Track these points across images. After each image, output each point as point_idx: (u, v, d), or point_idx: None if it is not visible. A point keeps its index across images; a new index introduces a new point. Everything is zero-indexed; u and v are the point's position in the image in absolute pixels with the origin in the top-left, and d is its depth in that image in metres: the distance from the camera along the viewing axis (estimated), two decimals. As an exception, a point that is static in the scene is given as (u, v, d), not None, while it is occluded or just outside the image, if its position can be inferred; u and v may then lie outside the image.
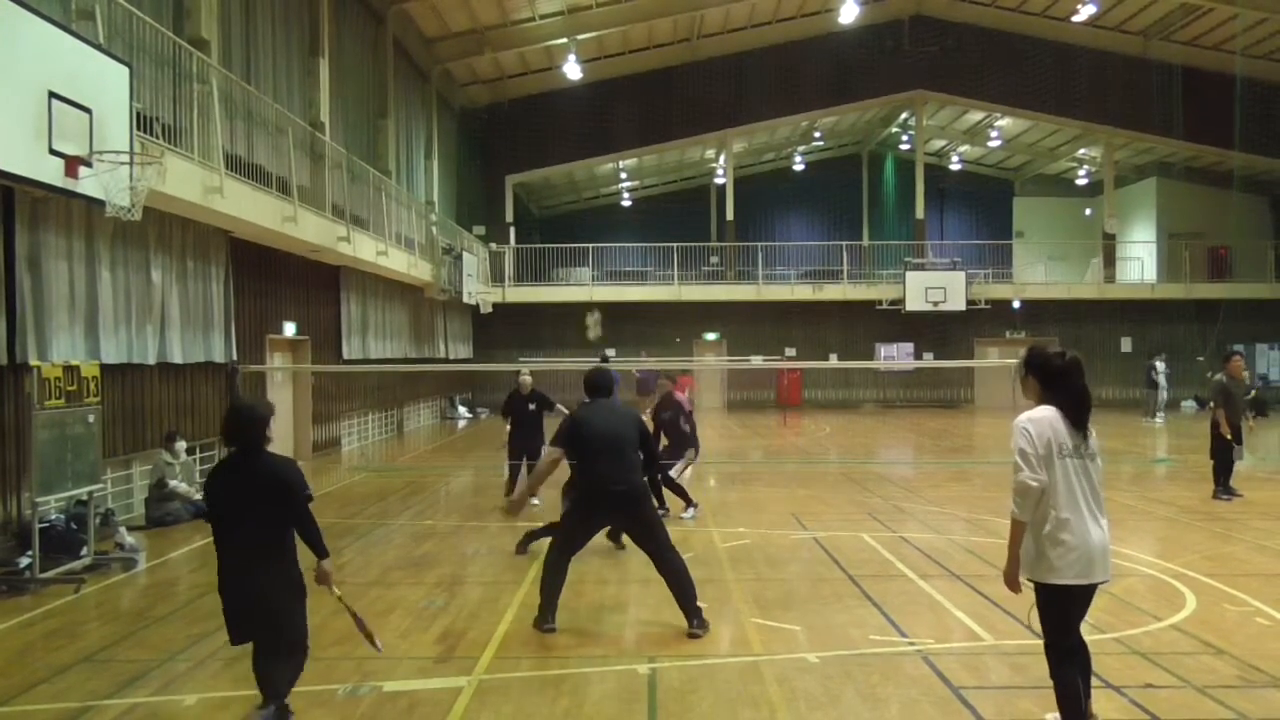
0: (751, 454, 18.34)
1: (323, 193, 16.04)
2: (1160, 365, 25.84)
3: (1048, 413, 4.33)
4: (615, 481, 6.64)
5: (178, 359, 11.88)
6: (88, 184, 8.34)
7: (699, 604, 6.53)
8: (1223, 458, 12.07)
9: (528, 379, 11.99)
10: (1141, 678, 5.48)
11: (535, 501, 11.60)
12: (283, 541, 4.74)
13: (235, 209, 12.01)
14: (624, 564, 8.70)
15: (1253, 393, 26.49)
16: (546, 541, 7.26)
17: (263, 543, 4.68)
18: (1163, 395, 25.76)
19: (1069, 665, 4.35)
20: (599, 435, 6.75)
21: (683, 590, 6.53)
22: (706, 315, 30.30)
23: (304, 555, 4.87)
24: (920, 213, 32.08)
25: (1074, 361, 4.40)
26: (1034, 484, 4.22)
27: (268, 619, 4.71)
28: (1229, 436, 11.92)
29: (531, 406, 11.83)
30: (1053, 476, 4.25)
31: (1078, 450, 4.29)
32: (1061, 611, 4.36)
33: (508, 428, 11.94)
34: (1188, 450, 17.06)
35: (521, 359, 25.02)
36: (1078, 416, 4.32)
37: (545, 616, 6.55)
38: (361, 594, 7.66)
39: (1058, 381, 4.38)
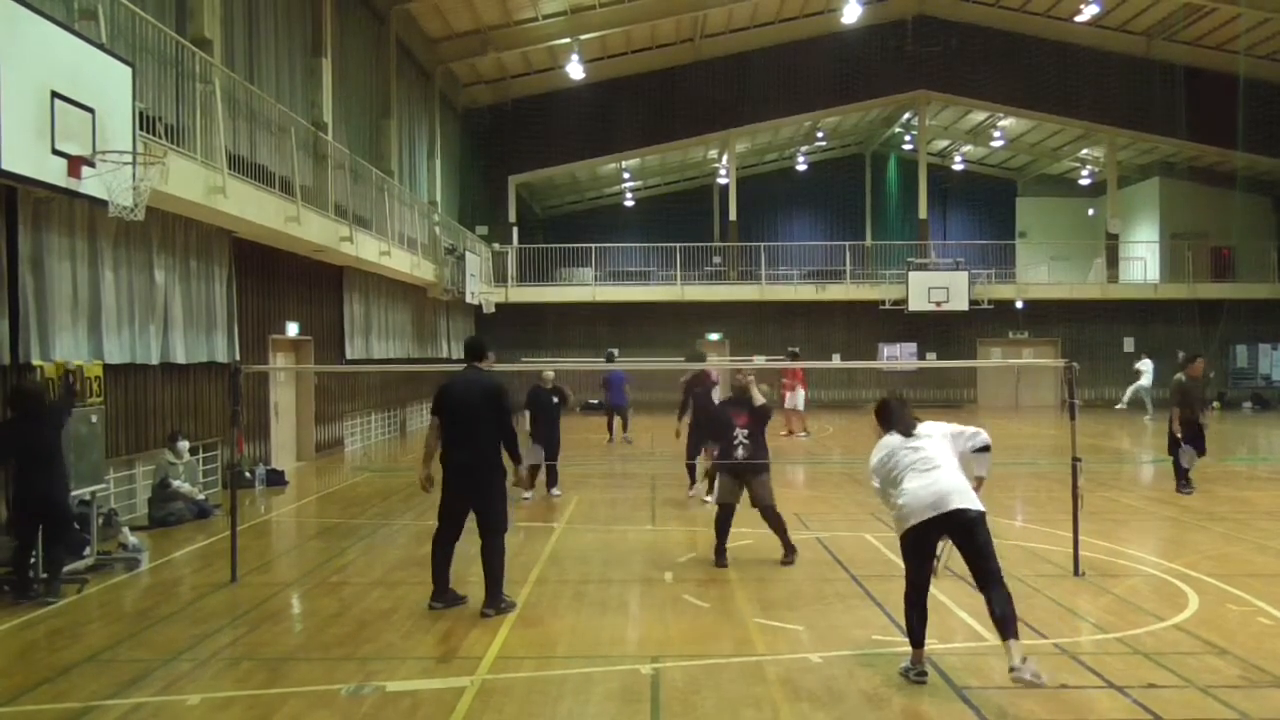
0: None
1: (325, 193, 16.04)
2: (1145, 364, 25.74)
3: (884, 439, 5.76)
4: (460, 452, 6.93)
5: (181, 359, 11.88)
6: (90, 184, 8.35)
7: (505, 593, 7.00)
8: (1199, 451, 12.41)
9: (550, 374, 12.77)
10: (1144, 677, 5.48)
11: (527, 496, 11.81)
12: (63, 457, 7.87)
13: (238, 209, 12.02)
14: (626, 564, 8.71)
15: (1214, 405, 26.54)
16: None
17: (51, 459, 7.64)
18: (1138, 391, 25.66)
19: (914, 607, 5.48)
20: (452, 405, 7.04)
21: (492, 574, 6.95)
22: (709, 315, 30.29)
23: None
24: (923, 213, 32.05)
25: (884, 403, 5.93)
26: (874, 485, 5.76)
27: (56, 505, 7.63)
28: (1179, 435, 12.27)
29: (554, 400, 12.56)
30: (894, 468, 5.55)
31: (909, 442, 5.62)
32: (907, 554, 5.52)
33: (528, 418, 12.37)
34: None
35: (525, 359, 25.02)
36: (904, 430, 5.70)
37: (432, 595, 7.13)
38: (365, 593, 7.67)
39: (886, 419, 5.82)
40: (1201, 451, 12.42)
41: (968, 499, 5.35)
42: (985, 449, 5.76)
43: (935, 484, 5.36)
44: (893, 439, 5.70)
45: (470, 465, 6.96)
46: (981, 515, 5.33)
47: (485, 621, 6.76)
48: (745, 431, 8.60)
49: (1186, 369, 12.71)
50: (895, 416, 5.79)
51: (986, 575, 5.22)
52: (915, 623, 5.50)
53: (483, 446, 6.95)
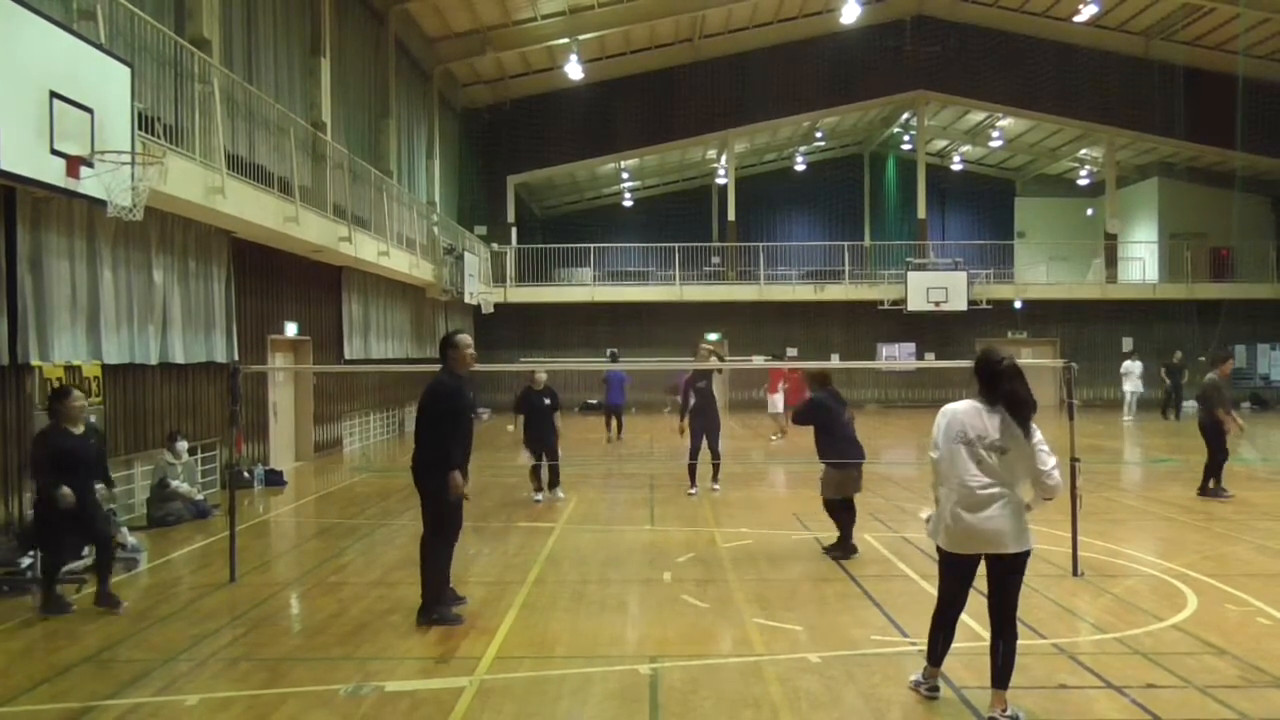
0: (753, 454, 18.34)
1: (324, 193, 16.03)
2: (1133, 365, 25.55)
3: (963, 404, 4.97)
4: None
5: (179, 359, 11.87)
6: (89, 184, 8.34)
7: (445, 605, 6.80)
8: (1223, 454, 12.00)
9: (543, 376, 12.44)
10: (1143, 678, 5.48)
11: (538, 498, 11.96)
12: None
13: (237, 209, 12.01)
14: (625, 564, 8.71)
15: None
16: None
17: (76, 467, 7.20)
18: (1131, 395, 25.39)
19: (941, 628, 5.14)
20: None
21: (422, 577, 6.88)
22: (708, 315, 30.25)
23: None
24: (922, 213, 32.07)
25: (1010, 366, 4.90)
26: (931, 455, 5.05)
27: (93, 519, 7.40)
28: (1242, 428, 11.95)
29: (546, 401, 12.19)
30: (948, 459, 4.93)
31: (980, 440, 4.85)
32: (943, 571, 5.11)
33: (521, 422, 12.25)
34: (1190, 450, 17.03)
35: (524, 359, 25.02)
36: (1023, 424, 4.81)
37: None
38: (364, 594, 7.68)
39: (993, 383, 4.90)
40: (1225, 455, 12.08)
41: (1021, 539, 4.86)
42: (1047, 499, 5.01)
43: (993, 519, 4.82)
44: (985, 424, 4.88)
45: (412, 465, 6.97)
46: (1028, 555, 4.91)
47: (484, 622, 6.76)
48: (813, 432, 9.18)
49: (1218, 368, 12.39)
50: (1017, 403, 4.84)
51: (1003, 620, 4.89)
52: (940, 643, 5.19)
53: (418, 446, 6.93)
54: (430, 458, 6.85)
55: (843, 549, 8.80)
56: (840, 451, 8.94)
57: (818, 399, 9.13)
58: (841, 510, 8.96)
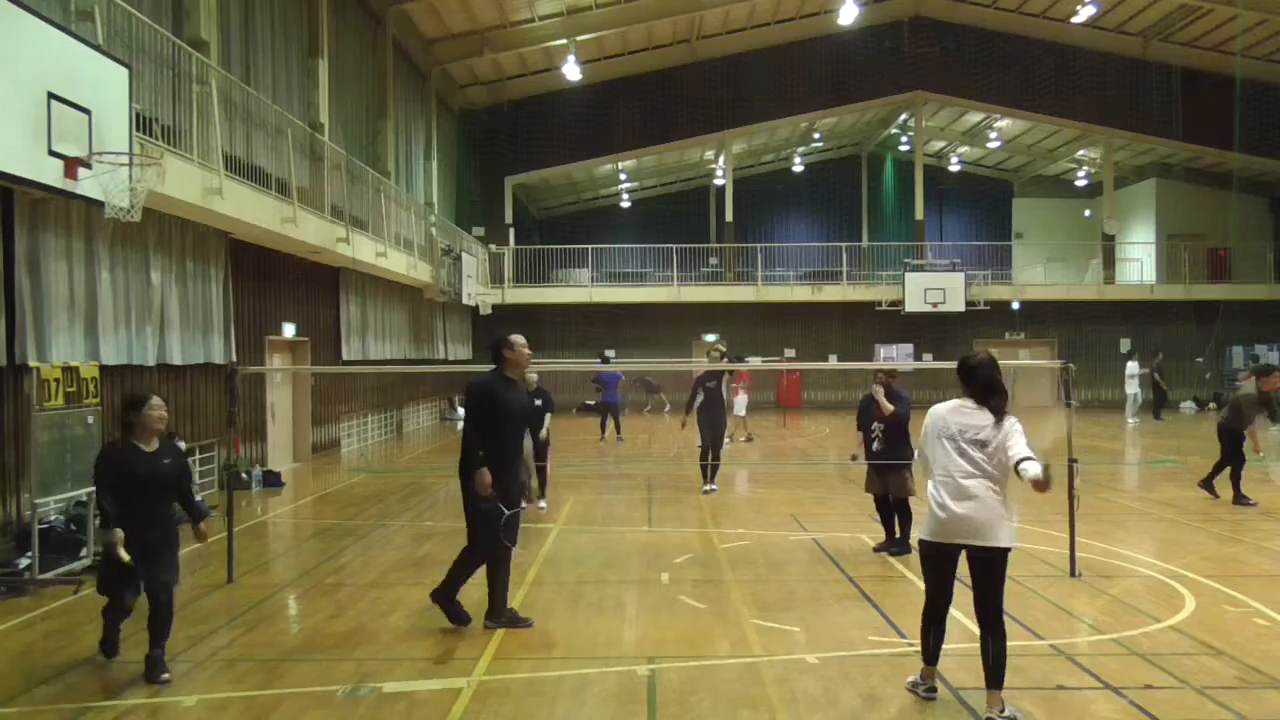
0: (751, 455, 18.35)
1: (322, 194, 16.03)
2: (1134, 367, 25.56)
3: (948, 403, 5.16)
4: None
5: (177, 360, 11.87)
6: (87, 185, 8.34)
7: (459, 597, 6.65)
8: (1239, 461, 11.86)
9: (534, 377, 11.98)
10: (1141, 679, 5.49)
11: (543, 505, 11.67)
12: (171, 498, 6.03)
13: (235, 210, 12.01)
14: (623, 565, 8.71)
15: (1211, 406, 26.21)
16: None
17: (159, 498, 5.91)
18: (1135, 398, 25.30)
19: (931, 623, 5.16)
20: None
21: (489, 581, 6.71)
22: (706, 316, 30.30)
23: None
24: (919, 214, 32.09)
25: (986, 358, 5.14)
26: (918, 452, 5.30)
27: (156, 562, 5.78)
28: (1259, 453, 11.81)
29: (537, 403, 11.82)
30: (933, 454, 5.09)
31: (962, 434, 5.00)
32: (925, 565, 5.17)
33: None
34: (1188, 451, 17.07)
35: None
36: (983, 400, 5.01)
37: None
38: (361, 595, 7.67)
39: (971, 375, 5.10)
40: (1242, 461, 11.89)
41: (1000, 533, 4.90)
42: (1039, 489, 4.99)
43: (975, 509, 4.90)
44: (966, 419, 5.02)
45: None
46: (1007, 553, 4.94)
47: (482, 621, 6.75)
48: (881, 428, 9.14)
49: (1263, 381, 11.91)
50: (991, 387, 5.02)
51: (988, 616, 4.92)
52: (932, 639, 5.19)
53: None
54: (464, 458, 6.61)
55: (903, 544, 8.84)
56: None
57: (908, 396, 9.30)
58: (890, 505, 9.11)
